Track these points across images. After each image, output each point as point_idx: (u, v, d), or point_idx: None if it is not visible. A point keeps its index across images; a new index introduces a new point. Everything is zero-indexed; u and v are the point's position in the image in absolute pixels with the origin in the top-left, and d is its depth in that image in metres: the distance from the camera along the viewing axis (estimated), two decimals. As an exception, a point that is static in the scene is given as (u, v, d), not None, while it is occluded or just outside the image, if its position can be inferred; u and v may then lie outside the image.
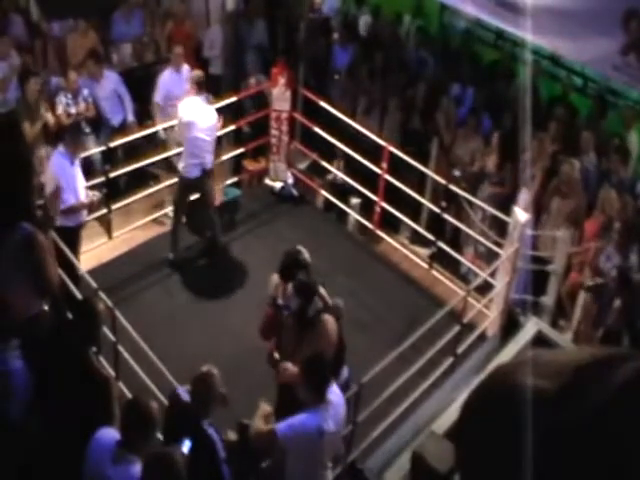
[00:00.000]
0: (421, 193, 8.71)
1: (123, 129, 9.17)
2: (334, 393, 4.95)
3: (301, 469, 4.99)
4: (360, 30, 10.67)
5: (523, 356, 1.09)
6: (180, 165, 8.06)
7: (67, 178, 6.96)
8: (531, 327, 7.29)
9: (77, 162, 7.18)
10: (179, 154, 8.26)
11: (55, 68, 9.28)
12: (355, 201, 9.24)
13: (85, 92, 8.89)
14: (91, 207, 7.45)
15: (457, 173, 8.53)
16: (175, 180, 8.53)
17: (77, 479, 4.38)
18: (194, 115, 7.80)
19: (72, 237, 7.06)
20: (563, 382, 0.99)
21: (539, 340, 7.06)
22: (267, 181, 9.71)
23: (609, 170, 7.98)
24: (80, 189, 7.17)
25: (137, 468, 4.21)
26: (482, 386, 1.12)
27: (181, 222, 8.40)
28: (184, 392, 4.99)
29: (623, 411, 0.95)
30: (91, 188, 7.69)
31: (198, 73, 8.00)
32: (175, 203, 8.34)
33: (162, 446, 4.88)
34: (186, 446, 4.63)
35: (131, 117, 9.29)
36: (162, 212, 8.88)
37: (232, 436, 5.21)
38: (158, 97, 9.07)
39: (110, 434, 4.37)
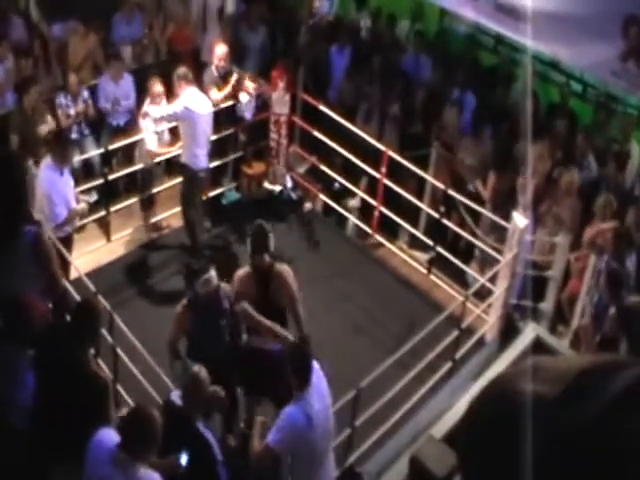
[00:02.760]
0: (420, 198, 8.71)
1: (125, 130, 9.18)
2: (314, 372, 4.97)
3: (304, 458, 5.00)
4: (361, 34, 10.67)
5: (524, 363, 1.10)
6: (187, 157, 8.01)
7: (58, 192, 6.87)
8: (530, 332, 7.29)
9: (67, 171, 7.06)
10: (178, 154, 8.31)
11: (58, 70, 9.30)
12: (354, 205, 9.24)
13: (85, 94, 8.90)
14: (83, 213, 7.40)
15: (472, 188, 8.49)
16: (174, 182, 8.55)
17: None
18: (196, 105, 7.87)
19: (63, 247, 7.06)
20: (563, 388, 1.00)
21: (538, 346, 7.05)
22: (266, 185, 9.71)
23: (608, 176, 7.99)
24: (71, 198, 7.09)
25: (138, 473, 4.21)
26: (484, 393, 1.12)
27: (197, 220, 8.33)
28: (177, 396, 5.00)
29: (623, 417, 0.96)
30: (88, 190, 7.70)
31: (182, 69, 8.00)
32: (186, 200, 8.23)
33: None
34: (184, 459, 4.63)
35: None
36: (162, 215, 8.89)
37: (232, 441, 5.21)
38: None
39: (110, 435, 4.36)
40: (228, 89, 8.67)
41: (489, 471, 1.06)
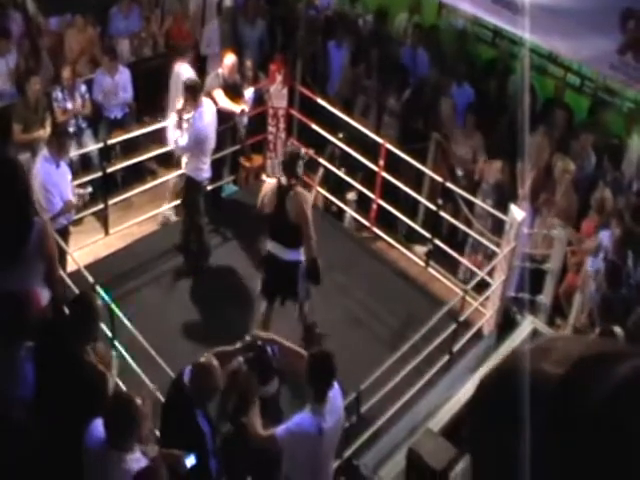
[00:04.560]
0: (418, 191, 8.71)
1: (122, 123, 9.18)
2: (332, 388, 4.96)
3: (303, 468, 5.00)
4: (362, 30, 10.63)
5: (541, 340, 1.09)
6: (192, 170, 7.88)
7: (53, 183, 6.89)
8: (527, 325, 7.30)
9: (63, 163, 7.08)
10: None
11: (50, 64, 9.29)
12: (352, 198, 9.23)
13: (82, 88, 8.91)
14: (80, 202, 7.38)
15: (460, 173, 8.53)
16: (172, 175, 8.55)
17: (75, 474, 4.39)
18: (209, 123, 7.76)
19: (63, 236, 7.07)
20: (565, 373, 1.00)
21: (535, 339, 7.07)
22: (264, 178, 9.70)
23: (605, 170, 7.99)
24: (66, 190, 7.08)
25: (124, 464, 4.22)
26: (495, 370, 1.12)
27: (204, 226, 8.27)
28: (188, 375, 4.97)
29: (625, 406, 0.96)
30: (85, 184, 7.70)
31: (192, 78, 7.80)
32: (192, 209, 8.11)
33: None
34: (190, 460, 4.63)
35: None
36: (160, 209, 8.88)
37: (228, 428, 5.21)
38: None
39: (101, 428, 4.37)
40: (232, 107, 8.49)
41: (494, 451, 1.06)
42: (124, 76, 9.16)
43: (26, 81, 8.38)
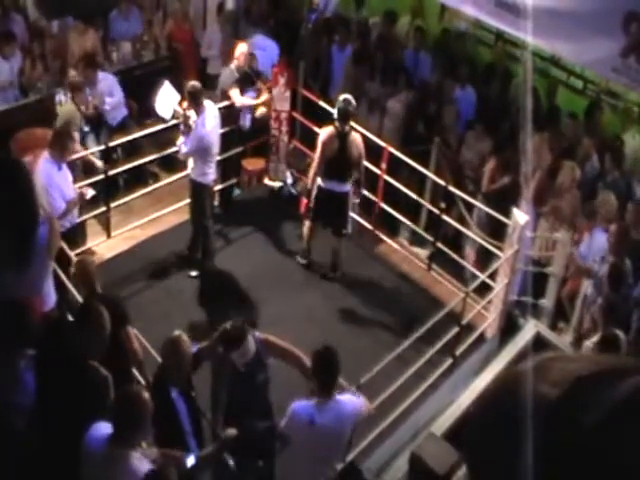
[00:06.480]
0: (421, 194, 8.70)
1: (122, 128, 9.17)
2: (347, 394, 4.97)
3: (296, 459, 5.00)
4: (365, 30, 10.62)
5: (539, 359, 1.06)
6: (198, 175, 7.90)
7: (56, 186, 6.88)
8: (530, 329, 7.28)
9: (65, 165, 7.09)
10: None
11: (54, 67, 9.29)
12: (354, 201, 9.21)
13: (86, 90, 8.89)
14: (82, 200, 7.32)
15: (470, 174, 8.52)
16: (174, 178, 8.56)
17: (75, 478, 4.38)
18: (211, 123, 7.77)
19: (67, 240, 7.07)
20: (560, 395, 0.97)
21: (538, 342, 7.05)
22: (266, 181, 9.70)
23: (606, 172, 7.98)
24: (68, 192, 7.08)
25: (130, 466, 4.20)
26: (494, 390, 1.10)
27: (210, 228, 8.29)
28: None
29: (621, 431, 0.93)
30: (88, 187, 7.69)
31: (193, 84, 7.77)
32: (200, 213, 8.13)
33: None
34: (190, 460, 4.62)
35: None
36: (162, 212, 8.87)
37: (231, 432, 5.20)
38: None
39: (101, 430, 4.35)
40: (252, 102, 8.75)
41: (493, 469, 1.04)
42: (106, 83, 9.03)
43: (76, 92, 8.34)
